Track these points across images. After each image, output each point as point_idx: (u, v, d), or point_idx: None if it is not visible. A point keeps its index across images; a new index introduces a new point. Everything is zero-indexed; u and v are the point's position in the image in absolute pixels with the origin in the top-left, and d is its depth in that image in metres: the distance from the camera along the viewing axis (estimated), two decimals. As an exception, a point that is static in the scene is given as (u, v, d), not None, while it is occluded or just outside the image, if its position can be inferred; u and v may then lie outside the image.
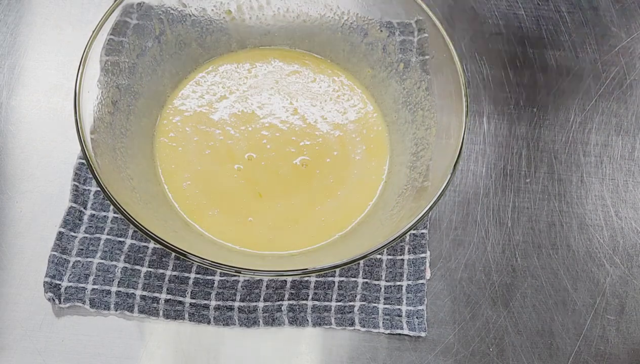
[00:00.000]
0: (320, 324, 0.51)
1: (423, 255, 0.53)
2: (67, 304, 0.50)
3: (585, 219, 0.56)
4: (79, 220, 0.53)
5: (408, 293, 0.52)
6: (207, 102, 0.56)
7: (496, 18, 0.65)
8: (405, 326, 0.51)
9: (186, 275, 0.52)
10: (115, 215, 0.53)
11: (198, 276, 0.52)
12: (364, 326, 0.51)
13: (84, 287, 0.50)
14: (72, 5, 0.63)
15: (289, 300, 0.51)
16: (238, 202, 0.52)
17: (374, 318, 0.51)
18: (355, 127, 0.56)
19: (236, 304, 0.51)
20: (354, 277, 0.52)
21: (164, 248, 0.44)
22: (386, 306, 0.51)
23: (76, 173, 0.54)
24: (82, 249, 0.52)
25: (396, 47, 0.55)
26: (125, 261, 0.51)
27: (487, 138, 0.59)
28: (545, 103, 0.61)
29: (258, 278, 0.52)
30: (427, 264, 0.53)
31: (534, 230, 0.55)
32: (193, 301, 0.51)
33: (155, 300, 0.51)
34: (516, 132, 0.59)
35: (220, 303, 0.51)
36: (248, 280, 0.52)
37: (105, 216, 0.53)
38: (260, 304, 0.51)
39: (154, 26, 0.54)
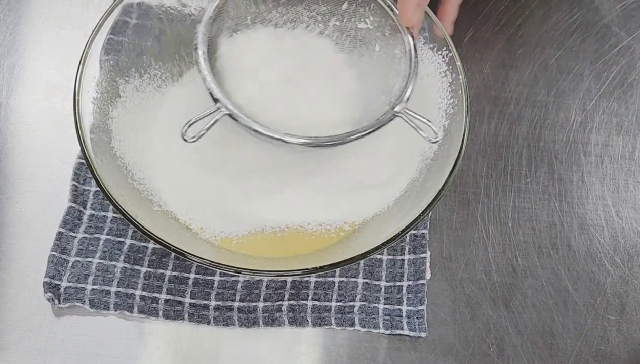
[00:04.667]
0: (320, 324, 0.51)
1: (423, 255, 0.53)
2: (67, 305, 0.50)
3: (586, 219, 0.56)
4: (79, 220, 0.53)
5: (408, 293, 0.52)
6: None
7: (496, 18, 0.65)
8: (405, 326, 0.50)
9: (186, 275, 0.52)
10: (115, 215, 0.53)
11: (198, 276, 0.52)
12: (364, 327, 0.50)
13: (83, 287, 0.50)
14: (71, 4, 0.63)
15: (289, 300, 0.51)
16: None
17: (374, 318, 0.51)
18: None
19: (236, 304, 0.51)
20: (354, 277, 0.52)
21: (164, 248, 0.44)
22: (386, 306, 0.51)
23: (75, 172, 0.54)
24: (81, 249, 0.52)
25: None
26: (124, 262, 0.51)
27: (487, 138, 0.59)
28: (546, 103, 0.61)
29: (258, 278, 0.52)
30: (428, 264, 0.53)
31: (535, 230, 0.55)
32: (193, 301, 0.51)
33: (155, 300, 0.50)
34: (516, 132, 0.59)
35: (220, 303, 0.51)
36: (248, 280, 0.52)
37: (104, 216, 0.53)
38: (260, 305, 0.51)
39: (154, 26, 0.54)
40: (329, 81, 0.50)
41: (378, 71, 0.50)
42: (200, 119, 0.44)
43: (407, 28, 0.48)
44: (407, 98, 0.47)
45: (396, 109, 0.46)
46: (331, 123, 0.49)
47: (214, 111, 0.44)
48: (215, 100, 0.45)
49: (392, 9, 0.49)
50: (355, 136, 0.46)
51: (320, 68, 0.50)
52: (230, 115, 0.45)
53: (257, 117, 0.46)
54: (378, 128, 0.46)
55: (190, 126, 0.44)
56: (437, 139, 0.46)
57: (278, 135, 0.45)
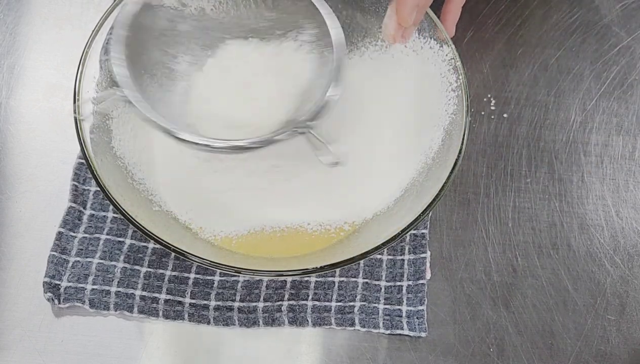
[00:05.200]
0: (320, 324, 0.51)
1: (423, 255, 0.53)
2: (67, 305, 0.50)
3: (586, 219, 0.56)
4: (79, 220, 0.53)
5: (408, 293, 0.52)
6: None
7: (496, 18, 0.65)
8: (405, 326, 0.50)
9: (186, 275, 0.52)
10: (115, 215, 0.53)
11: (198, 276, 0.52)
12: (364, 327, 0.50)
13: (83, 287, 0.50)
14: (71, 4, 0.63)
15: (288, 300, 0.51)
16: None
17: (374, 318, 0.51)
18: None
19: (236, 304, 0.51)
20: (354, 277, 0.52)
21: (164, 248, 0.44)
22: (386, 306, 0.51)
23: (75, 172, 0.54)
24: (81, 249, 0.52)
25: (396, 47, 0.55)
26: (124, 262, 0.51)
27: (487, 138, 0.59)
28: (546, 102, 0.61)
29: (258, 278, 0.52)
30: (428, 264, 0.53)
31: (535, 230, 0.55)
32: (193, 301, 0.51)
33: (155, 300, 0.50)
34: (516, 132, 0.59)
35: (220, 303, 0.51)
36: (248, 280, 0.52)
37: (104, 216, 0.53)
38: (260, 305, 0.51)
39: (154, 26, 0.54)
40: (271, 85, 0.49)
41: (310, 78, 0.48)
42: (99, 100, 0.44)
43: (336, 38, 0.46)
44: (316, 115, 0.44)
45: (300, 127, 0.44)
46: (274, 125, 0.47)
47: (111, 93, 0.44)
48: (114, 83, 0.44)
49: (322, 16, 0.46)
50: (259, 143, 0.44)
51: (263, 73, 0.49)
52: (129, 101, 0.44)
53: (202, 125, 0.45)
54: (285, 138, 0.45)
55: (83, 103, 0.44)
56: (334, 162, 0.44)
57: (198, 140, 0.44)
